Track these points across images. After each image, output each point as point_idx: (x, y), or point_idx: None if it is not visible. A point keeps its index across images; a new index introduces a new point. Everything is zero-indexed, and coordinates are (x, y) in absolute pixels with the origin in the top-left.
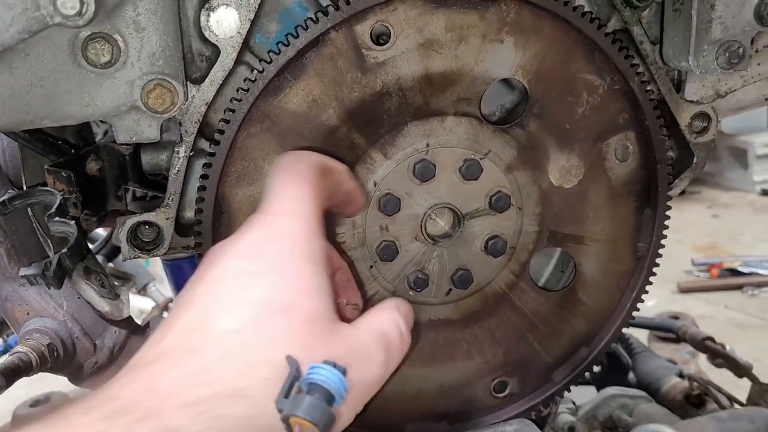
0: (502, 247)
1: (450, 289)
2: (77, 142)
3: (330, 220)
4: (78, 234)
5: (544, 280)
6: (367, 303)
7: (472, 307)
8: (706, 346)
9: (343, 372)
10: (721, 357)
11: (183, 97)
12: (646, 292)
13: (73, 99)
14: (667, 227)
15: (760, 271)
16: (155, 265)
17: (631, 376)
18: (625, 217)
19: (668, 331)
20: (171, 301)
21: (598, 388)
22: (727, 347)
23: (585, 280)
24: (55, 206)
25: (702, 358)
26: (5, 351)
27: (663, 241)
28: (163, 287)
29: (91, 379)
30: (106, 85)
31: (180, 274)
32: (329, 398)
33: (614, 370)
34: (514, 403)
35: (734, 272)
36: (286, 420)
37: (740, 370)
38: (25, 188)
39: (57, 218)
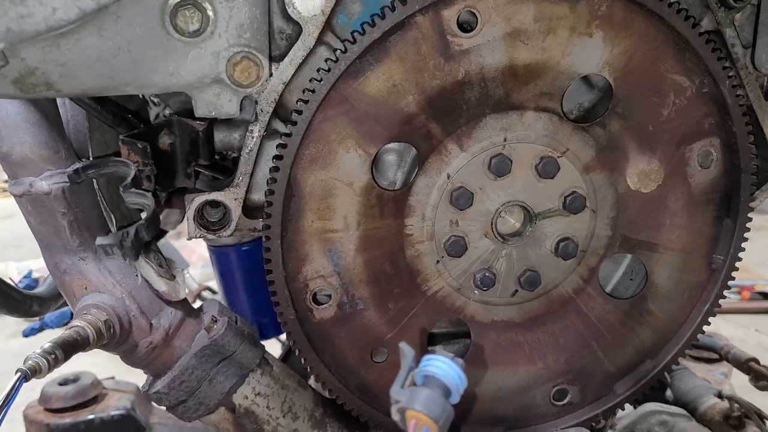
0: (573, 249)
1: (516, 290)
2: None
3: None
4: (154, 206)
5: (611, 287)
6: (430, 299)
7: (536, 310)
8: (749, 367)
9: (461, 366)
10: (765, 379)
11: (268, 72)
12: (719, 306)
13: (158, 67)
14: (746, 239)
15: None
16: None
17: (668, 393)
18: (703, 226)
19: (710, 350)
20: (205, 289)
21: (635, 404)
22: None
23: (656, 289)
24: (131, 177)
25: (734, 380)
26: (41, 329)
27: None
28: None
29: (145, 360)
30: (192, 54)
31: (226, 261)
32: (446, 392)
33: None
34: (573, 413)
35: (766, 296)
36: (402, 412)
37: None
38: (92, 159)
39: (133, 189)
